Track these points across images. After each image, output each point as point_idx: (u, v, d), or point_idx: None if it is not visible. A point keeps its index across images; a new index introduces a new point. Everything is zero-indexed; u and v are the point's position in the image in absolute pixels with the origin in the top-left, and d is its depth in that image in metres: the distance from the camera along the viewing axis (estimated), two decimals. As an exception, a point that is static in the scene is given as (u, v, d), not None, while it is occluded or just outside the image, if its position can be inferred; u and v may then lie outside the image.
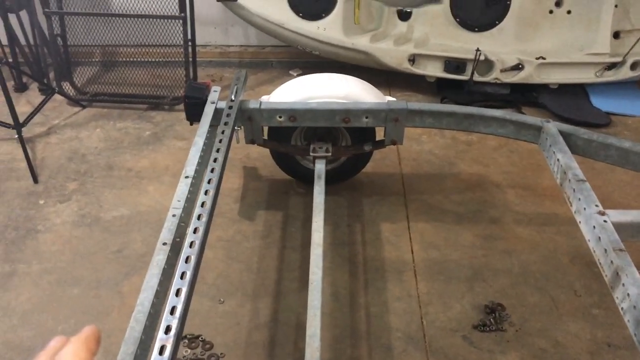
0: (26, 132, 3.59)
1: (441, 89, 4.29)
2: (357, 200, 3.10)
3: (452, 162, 3.45)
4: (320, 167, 2.72)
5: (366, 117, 2.66)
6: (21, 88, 4.30)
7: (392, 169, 3.37)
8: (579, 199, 2.06)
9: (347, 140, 2.94)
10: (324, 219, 2.33)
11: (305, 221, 2.92)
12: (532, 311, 2.43)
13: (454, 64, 4.05)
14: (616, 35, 4.04)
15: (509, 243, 2.81)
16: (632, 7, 3.98)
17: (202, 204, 1.96)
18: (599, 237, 1.87)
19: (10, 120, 3.33)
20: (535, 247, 2.78)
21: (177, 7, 3.87)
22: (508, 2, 3.95)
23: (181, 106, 3.87)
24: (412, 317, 2.40)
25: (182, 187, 2.04)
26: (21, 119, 3.38)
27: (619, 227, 1.90)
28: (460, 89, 4.19)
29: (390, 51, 4.06)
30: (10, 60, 4.12)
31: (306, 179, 3.07)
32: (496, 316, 2.37)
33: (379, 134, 2.84)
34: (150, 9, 4.01)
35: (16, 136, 3.33)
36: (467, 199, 3.12)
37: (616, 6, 3.92)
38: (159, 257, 1.72)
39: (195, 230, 1.84)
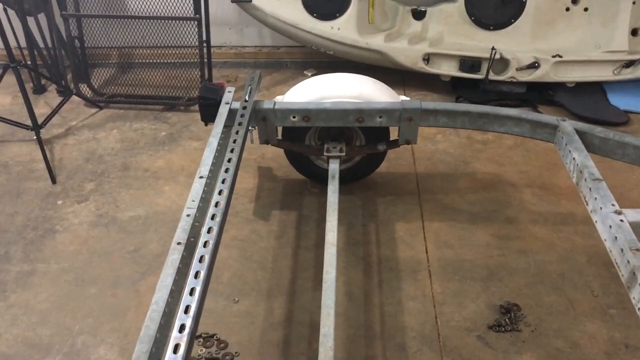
0: (44, 133, 3.65)
1: (456, 88, 4.27)
2: (371, 199, 3.10)
3: (467, 161, 3.43)
4: (334, 167, 2.72)
5: (380, 117, 2.66)
6: (39, 90, 4.36)
7: (407, 168, 3.36)
8: (595, 198, 2.04)
9: (361, 139, 2.94)
10: (338, 219, 2.33)
11: (319, 221, 2.93)
12: (548, 311, 2.41)
13: (469, 63, 4.02)
14: (634, 32, 3.99)
15: (525, 243, 2.79)
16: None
17: (216, 204, 1.98)
18: (616, 237, 1.85)
19: (29, 122, 3.39)
20: (551, 247, 2.76)
21: (192, 8, 3.90)
22: (524, 0, 3.92)
23: (196, 107, 3.89)
24: (427, 316, 2.39)
25: (197, 187, 2.06)
26: (39, 121, 3.43)
27: (636, 226, 1.88)
28: (476, 88, 4.17)
29: (404, 50, 4.05)
30: (29, 62, 4.19)
31: (320, 179, 3.07)
32: (512, 316, 2.35)
33: (394, 134, 2.83)
34: (165, 10, 4.05)
35: (35, 137, 3.38)
36: (482, 198, 3.10)
37: (634, 3, 3.87)
38: (174, 257, 1.74)
39: (209, 230, 1.86)
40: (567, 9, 3.96)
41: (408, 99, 2.79)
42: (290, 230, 2.88)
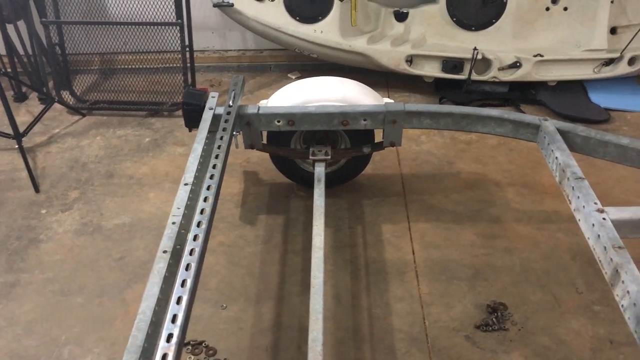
0: (26, 141, 3.61)
1: (439, 88, 4.29)
2: (357, 202, 3.11)
3: (451, 161, 3.45)
4: (319, 170, 2.72)
5: (364, 120, 2.67)
6: (20, 98, 4.32)
7: (392, 170, 3.38)
8: (578, 197, 2.07)
9: (346, 142, 2.95)
10: (324, 222, 2.34)
11: (306, 224, 2.93)
12: (534, 309, 2.43)
13: (452, 64, 4.05)
14: (613, 30, 4.04)
15: (510, 241, 2.81)
16: (628, 3, 3.98)
17: (202, 211, 1.97)
18: (598, 235, 1.87)
19: (10, 130, 3.35)
20: (536, 245, 2.78)
21: (174, 13, 3.89)
22: (504, 1, 3.96)
23: (180, 112, 3.88)
24: (415, 318, 2.40)
25: (182, 195, 2.05)
26: (21, 129, 3.40)
27: (618, 224, 1.91)
28: (459, 88, 4.20)
29: (387, 52, 4.07)
30: (9, 70, 4.14)
31: (306, 182, 3.07)
32: (498, 315, 2.37)
33: (378, 136, 2.85)
34: (147, 16, 4.02)
35: (16, 146, 3.35)
36: (467, 198, 3.12)
37: (612, 2, 3.92)
38: (160, 265, 1.73)
39: (195, 238, 1.85)
40: (547, 9, 4.01)
41: (392, 101, 2.80)
42: (277, 235, 2.88)
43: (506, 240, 2.82)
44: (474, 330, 2.34)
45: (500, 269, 2.64)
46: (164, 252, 1.79)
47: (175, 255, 1.81)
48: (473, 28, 4.07)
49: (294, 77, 4.65)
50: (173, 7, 3.87)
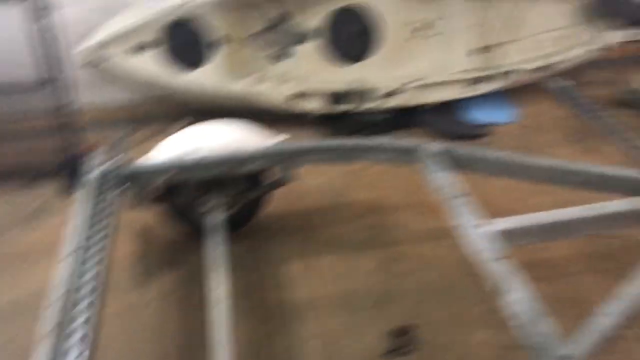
0: None
1: (328, 122, 4.39)
2: (257, 244, 3.08)
3: (345, 191, 3.52)
4: (214, 219, 2.69)
5: (254, 162, 2.68)
6: None
7: (289, 207, 3.38)
8: (460, 213, 2.18)
9: (241, 185, 2.92)
10: (224, 272, 2.29)
11: (206, 277, 2.85)
12: (438, 327, 2.50)
13: (336, 97, 4.18)
14: (485, 49, 4.34)
15: (410, 263, 2.89)
16: (497, 22, 4.32)
17: (91, 278, 1.88)
18: (480, 248, 1.97)
19: None
20: (435, 263, 2.88)
21: (45, 71, 3.70)
22: (378, 32, 4.15)
23: (63, 176, 3.69)
24: (327, 353, 2.40)
25: (69, 263, 1.94)
26: None
27: (499, 235, 2.03)
28: (347, 119, 4.31)
29: (271, 92, 4.13)
30: None
31: (204, 231, 3.01)
32: (405, 338, 2.42)
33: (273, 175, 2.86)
34: (12, 76, 3.78)
35: None
36: (363, 225, 3.18)
37: (480, 24, 4.24)
38: (47, 343, 1.62)
39: (86, 308, 1.76)
40: (420, 36, 4.25)
41: (282, 138, 2.83)
42: (176, 292, 2.78)
43: (406, 262, 2.90)
44: (385, 357, 2.37)
45: (404, 292, 2.71)
46: (52, 326, 1.67)
47: (66, 330, 1.70)
48: (353, 60, 4.23)
49: (181, 126, 4.56)
50: (43, 65, 3.68)
